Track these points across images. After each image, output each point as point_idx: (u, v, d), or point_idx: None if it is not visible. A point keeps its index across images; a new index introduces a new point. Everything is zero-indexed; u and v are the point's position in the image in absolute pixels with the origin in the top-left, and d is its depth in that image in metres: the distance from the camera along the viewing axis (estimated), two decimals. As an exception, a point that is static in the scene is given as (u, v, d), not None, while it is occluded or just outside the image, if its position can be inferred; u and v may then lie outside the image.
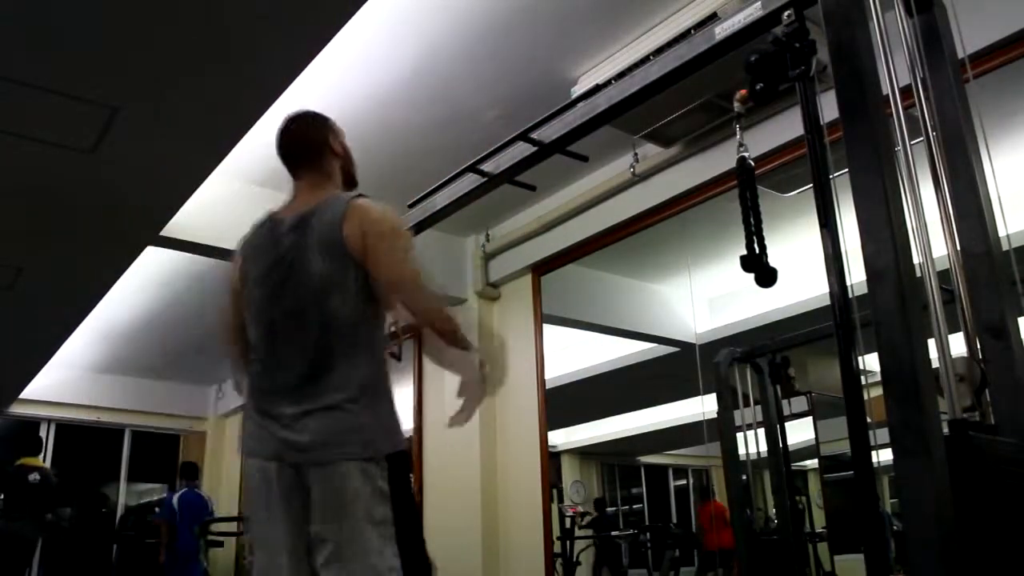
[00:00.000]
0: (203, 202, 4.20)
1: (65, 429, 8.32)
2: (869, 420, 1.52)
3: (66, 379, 7.90)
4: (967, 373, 1.59)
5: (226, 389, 8.86)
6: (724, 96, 3.35)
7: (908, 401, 1.29)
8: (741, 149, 1.99)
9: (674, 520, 7.22)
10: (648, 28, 3.36)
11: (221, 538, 7.32)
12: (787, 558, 3.99)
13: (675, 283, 5.22)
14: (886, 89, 1.55)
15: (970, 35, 1.90)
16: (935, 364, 1.46)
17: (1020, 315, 1.70)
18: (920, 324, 1.35)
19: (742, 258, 1.92)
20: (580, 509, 6.24)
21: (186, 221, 4.28)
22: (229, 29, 2.76)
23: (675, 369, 5.40)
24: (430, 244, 4.88)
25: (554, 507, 4.91)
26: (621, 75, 2.62)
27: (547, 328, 4.96)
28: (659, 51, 3.09)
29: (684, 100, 3.49)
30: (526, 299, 5.05)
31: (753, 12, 1.91)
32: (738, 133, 2.02)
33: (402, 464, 1.96)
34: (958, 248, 1.73)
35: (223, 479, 8.87)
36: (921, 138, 1.74)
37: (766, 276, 1.91)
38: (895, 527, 1.74)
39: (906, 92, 1.68)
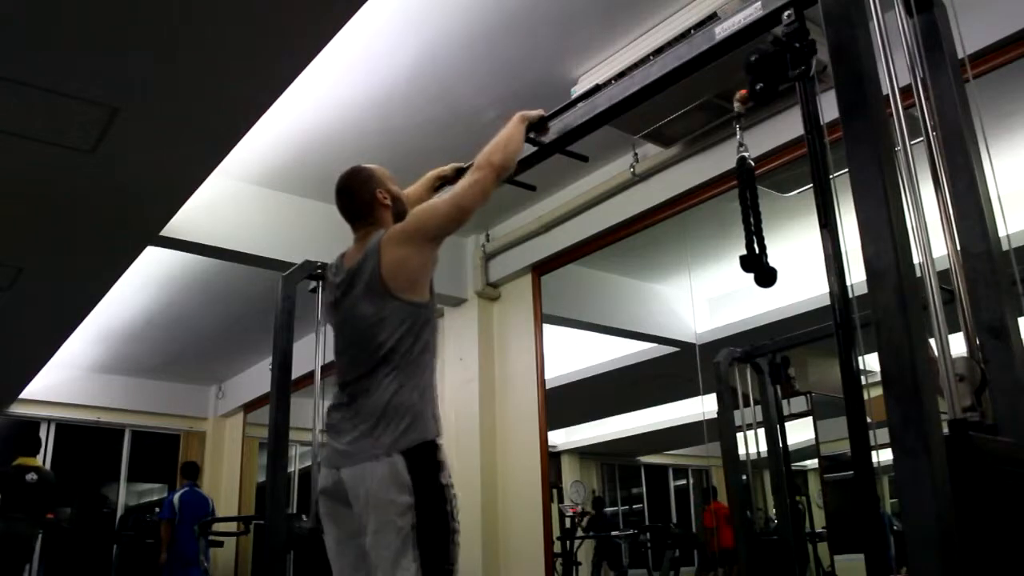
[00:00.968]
0: (203, 202, 4.20)
1: (65, 429, 8.33)
2: (869, 420, 1.52)
3: (66, 379, 7.91)
4: (967, 373, 1.59)
5: (226, 389, 8.86)
6: (724, 96, 3.35)
7: (908, 401, 1.29)
8: (741, 149, 1.99)
9: (674, 520, 7.21)
10: (648, 28, 3.36)
11: (221, 538, 7.32)
12: (787, 558, 3.99)
13: (675, 283, 5.22)
14: (886, 89, 1.54)
15: (970, 35, 1.90)
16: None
17: (1020, 315, 1.70)
18: (920, 324, 1.35)
19: (742, 258, 1.92)
20: (580, 509, 6.24)
21: (186, 221, 4.28)
22: (229, 29, 2.76)
23: (675, 369, 5.40)
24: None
25: (554, 507, 4.91)
26: (621, 75, 2.62)
27: (547, 328, 4.96)
28: (659, 51, 3.09)
29: (684, 100, 3.49)
30: (526, 299, 5.06)
31: (753, 12, 1.90)
32: (738, 133, 2.01)
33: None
34: (958, 248, 1.72)
35: (223, 479, 8.87)
36: (921, 138, 1.74)
37: (766, 276, 1.91)
38: (895, 527, 1.74)
39: (906, 92, 1.68)
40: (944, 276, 1.63)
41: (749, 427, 4.18)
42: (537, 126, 2.42)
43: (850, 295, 1.61)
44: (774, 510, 4.22)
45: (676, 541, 5.98)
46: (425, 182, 2.65)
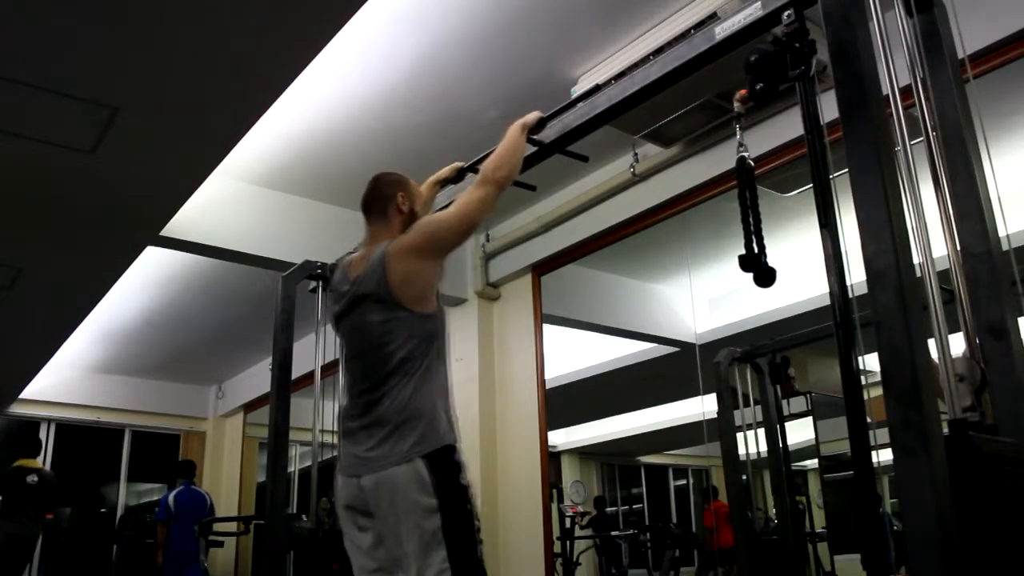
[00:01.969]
0: (203, 202, 4.20)
1: (65, 429, 8.32)
2: (869, 420, 1.52)
3: (66, 379, 7.91)
4: (967, 373, 1.59)
5: (226, 389, 8.86)
6: (724, 96, 3.35)
7: (908, 401, 1.29)
8: (741, 149, 1.99)
9: (674, 520, 7.21)
10: (648, 28, 3.36)
11: (221, 538, 7.31)
12: (787, 558, 3.99)
13: (675, 283, 5.22)
14: (886, 89, 1.54)
15: (970, 35, 1.90)
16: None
17: (1020, 315, 1.70)
18: (920, 324, 1.35)
19: (740, 258, 1.92)
20: (580, 509, 6.24)
21: (186, 221, 4.28)
22: (229, 29, 2.76)
23: (675, 369, 5.40)
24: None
25: (554, 507, 4.91)
26: (621, 75, 2.62)
27: (547, 328, 4.96)
28: (659, 51, 3.09)
29: (684, 100, 3.49)
30: (526, 299, 5.05)
31: (753, 12, 1.91)
32: (738, 133, 2.01)
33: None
34: (958, 248, 1.72)
35: (223, 479, 8.87)
36: (921, 138, 1.74)
37: (764, 276, 1.91)
38: (895, 527, 1.74)
39: (906, 92, 1.68)
40: (944, 276, 1.63)
41: (749, 427, 4.18)
42: (536, 127, 2.43)
43: (850, 295, 1.61)
44: (774, 510, 4.22)
45: (676, 541, 5.97)
46: (428, 186, 2.66)
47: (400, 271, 2.12)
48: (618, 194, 4.36)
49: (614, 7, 3.27)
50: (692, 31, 2.93)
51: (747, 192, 1.95)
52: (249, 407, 8.42)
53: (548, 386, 4.86)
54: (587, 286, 5.35)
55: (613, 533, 6.48)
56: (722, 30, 2.00)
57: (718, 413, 4.13)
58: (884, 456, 1.42)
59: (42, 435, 8.04)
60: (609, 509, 7.30)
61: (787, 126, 3.37)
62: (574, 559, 5.45)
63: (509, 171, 2.28)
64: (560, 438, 6.85)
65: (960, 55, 1.82)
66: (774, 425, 4.14)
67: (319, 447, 3.38)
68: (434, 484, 1.99)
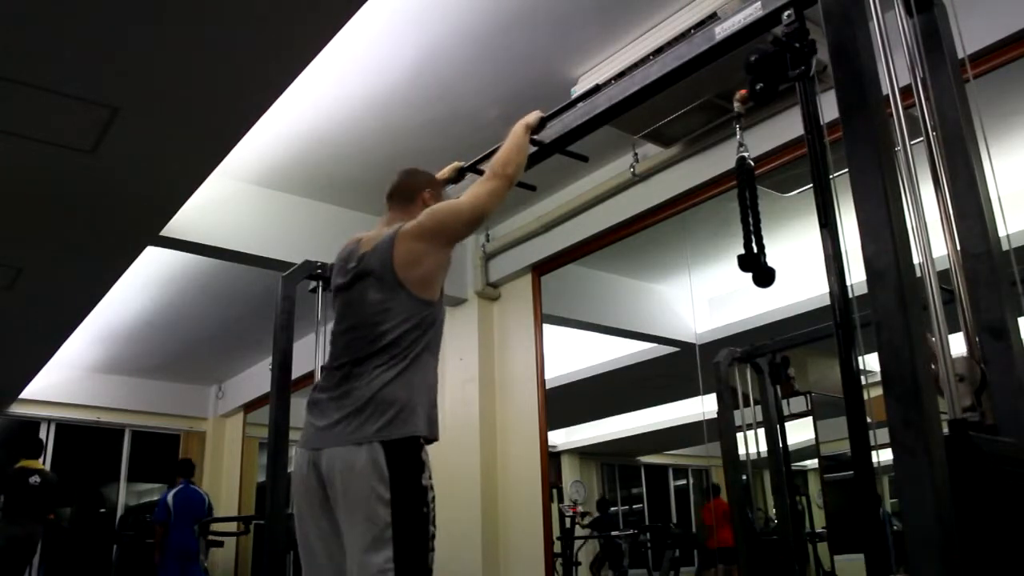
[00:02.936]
0: (203, 202, 4.20)
1: (65, 429, 8.33)
2: (869, 420, 1.52)
3: (66, 379, 7.91)
4: (967, 373, 1.59)
5: (226, 389, 8.86)
6: (724, 96, 3.35)
7: (908, 401, 1.29)
8: (741, 149, 1.99)
9: (674, 520, 7.21)
10: (648, 28, 3.36)
11: (221, 538, 7.31)
12: (787, 558, 3.99)
13: (675, 283, 5.22)
14: (886, 89, 1.54)
15: (970, 35, 1.90)
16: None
17: (1020, 315, 1.70)
18: (920, 324, 1.35)
19: (740, 257, 1.92)
20: (580, 509, 6.24)
21: (186, 221, 4.28)
22: (229, 29, 2.76)
23: (675, 369, 5.40)
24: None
25: (554, 507, 4.91)
26: (621, 75, 2.62)
27: (547, 328, 4.96)
28: (659, 51, 3.09)
29: (684, 100, 3.49)
30: (526, 299, 5.05)
31: (753, 12, 1.91)
32: (738, 133, 2.01)
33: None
34: (958, 248, 1.72)
35: (223, 479, 8.87)
36: (921, 138, 1.74)
37: (764, 276, 1.91)
38: (895, 527, 1.74)
39: (906, 92, 1.68)
40: (944, 276, 1.63)
41: (749, 427, 4.18)
42: (536, 127, 2.44)
43: (850, 295, 1.61)
44: (774, 510, 4.22)
45: (676, 541, 5.98)
46: None
47: (406, 251, 2.10)
48: (618, 194, 4.36)
49: (614, 7, 3.27)
50: (692, 31, 2.93)
51: (747, 192, 1.95)
52: (249, 407, 8.42)
53: (548, 386, 4.85)
54: (587, 286, 5.35)
55: (613, 533, 6.49)
56: (722, 30, 2.00)
57: (718, 413, 4.12)
58: (884, 456, 1.42)
59: (42, 435, 8.04)
60: (610, 509, 7.30)
61: (787, 126, 3.37)
62: (574, 559, 5.44)
63: (516, 168, 2.28)
64: (560, 438, 6.86)
65: (960, 55, 1.82)
66: (774, 425, 4.13)
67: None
68: (390, 477, 1.91)
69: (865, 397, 1.54)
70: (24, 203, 3.94)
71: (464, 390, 5.15)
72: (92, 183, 3.73)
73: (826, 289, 1.65)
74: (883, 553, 1.51)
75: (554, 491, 4.97)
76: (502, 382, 5.12)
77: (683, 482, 7.35)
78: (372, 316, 2.09)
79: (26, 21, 2.66)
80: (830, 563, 4.15)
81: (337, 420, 2.01)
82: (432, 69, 3.59)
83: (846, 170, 1.46)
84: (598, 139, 2.79)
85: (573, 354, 5.88)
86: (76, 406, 8.19)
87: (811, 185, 1.70)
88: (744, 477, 4.23)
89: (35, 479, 6.36)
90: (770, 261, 1.92)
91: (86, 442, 8.48)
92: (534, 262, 4.96)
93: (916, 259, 1.50)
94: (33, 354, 6.45)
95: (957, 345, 1.59)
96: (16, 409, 7.92)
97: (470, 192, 2.23)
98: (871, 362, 1.44)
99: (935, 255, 1.57)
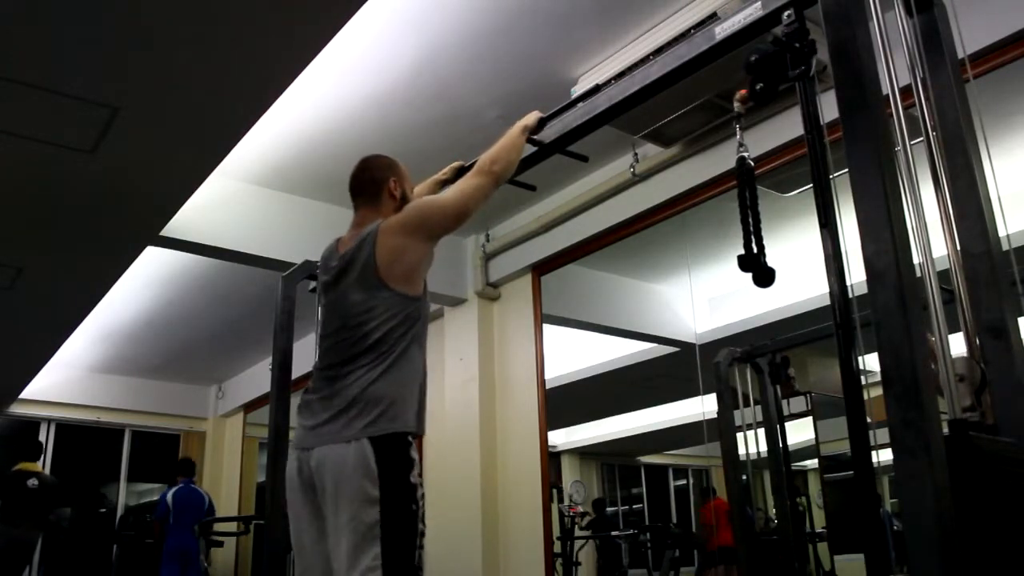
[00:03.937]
0: (203, 202, 4.20)
1: (65, 429, 8.33)
2: (869, 420, 1.52)
3: (66, 379, 7.91)
4: (967, 373, 1.59)
5: (226, 389, 8.86)
6: (724, 96, 3.35)
7: (908, 401, 1.29)
8: (741, 149, 1.99)
9: (674, 520, 7.21)
10: (648, 28, 3.36)
11: (221, 538, 7.31)
12: (787, 558, 3.99)
13: (675, 283, 5.22)
14: (886, 89, 1.54)
15: (970, 35, 1.90)
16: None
17: (1020, 315, 1.70)
18: (920, 324, 1.34)
19: (739, 257, 1.92)
20: (580, 509, 6.23)
21: (186, 221, 4.28)
22: (229, 29, 2.76)
23: (675, 369, 5.40)
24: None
25: (554, 507, 4.91)
26: (621, 75, 2.62)
27: (547, 328, 4.96)
28: (659, 51, 3.09)
29: (684, 100, 3.49)
30: (526, 299, 5.06)
31: (753, 12, 1.91)
32: (738, 133, 2.01)
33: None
34: (958, 248, 1.72)
35: (223, 479, 8.87)
36: (921, 138, 1.74)
37: (763, 276, 1.91)
38: (895, 527, 1.74)
39: (906, 92, 1.68)
40: (944, 276, 1.63)
41: (749, 427, 4.18)
42: (536, 127, 2.43)
43: (850, 295, 1.61)
44: (774, 510, 4.22)
45: (676, 541, 5.97)
46: (428, 186, 2.66)
47: (388, 247, 2.08)
48: (618, 194, 4.36)
49: (614, 7, 3.27)
50: (692, 31, 2.93)
51: (747, 192, 1.95)
52: (249, 407, 8.42)
53: (548, 386, 4.86)
54: (587, 286, 5.35)
55: (613, 533, 6.49)
56: (722, 30, 2.00)
57: (718, 413, 4.13)
58: (884, 456, 1.42)
59: (42, 435, 8.05)
60: (609, 509, 7.30)
61: (787, 126, 3.37)
62: (574, 559, 5.44)
63: (505, 166, 2.26)
64: (560, 438, 6.85)
65: (960, 55, 1.82)
66: (774, 425, 4.13)
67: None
68: (379, 474, 1.90)
69: (865, 397, 1.54)
70: (24, 203, 3.94)
71: (464, 390, 5.15)
72: (92, 183, 3.73)
73: (826, 289, 1.65)
74: (883, 553, 1.51)
75: (554, 491, 4.97)
76: (502, 382, 5.12)
77: (683, 482, 7.34)
78: (356, 317, 2.07)
79: (26, 21, 2.66)
80: (830, 563, 4.15)
81: (326, 420, 2.01)
82: (432, 69, 3.59)
83: (846, 170, 1.46)
84: (598, 139, 2.79)
85: (573, 354, 5.88)
86: (76, 406, 8.19)
87: (811, 185, 1.70)
88: (744, 477, 4.23)
89: (33, 482, 6.35)
90: (770, 261, 1.92)
91: (86, 442, 8.49)
92: (534, 262, 4.96)
93: (916, 259, 1.50)
94: (33, 354, 6.45)
95: (957, 345, 1.59)
96: (16, 409, 7.92)
97: (456, 187, 2.23)
98: (871, 362, 1.44)
99: (935, 255, 1.57)
